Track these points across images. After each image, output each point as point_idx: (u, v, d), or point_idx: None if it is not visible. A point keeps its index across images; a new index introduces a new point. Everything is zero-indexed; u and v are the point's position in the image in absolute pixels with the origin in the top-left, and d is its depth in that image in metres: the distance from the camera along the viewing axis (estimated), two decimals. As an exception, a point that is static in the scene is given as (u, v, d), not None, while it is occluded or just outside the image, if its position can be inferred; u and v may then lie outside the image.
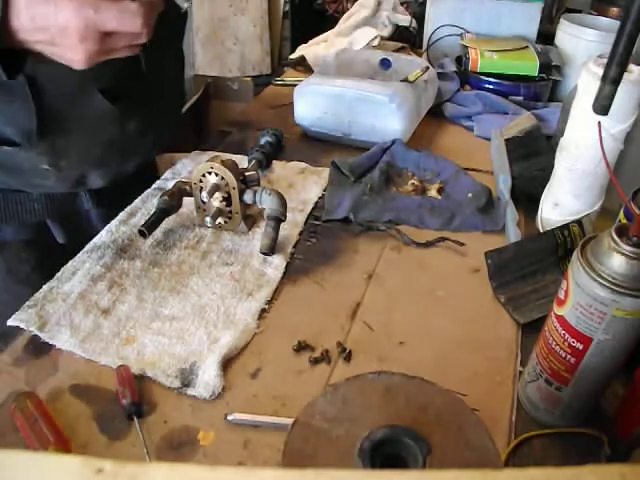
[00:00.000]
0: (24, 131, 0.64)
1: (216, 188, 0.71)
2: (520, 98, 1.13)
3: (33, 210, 0.77)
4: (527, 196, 0.81)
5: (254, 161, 0.84)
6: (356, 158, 0.91)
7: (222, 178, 0.71)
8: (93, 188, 0.79)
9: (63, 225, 0.78)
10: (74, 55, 0.48)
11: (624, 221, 0.58)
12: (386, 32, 1.53)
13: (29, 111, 0.62)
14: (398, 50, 1.43)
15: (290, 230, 0.76)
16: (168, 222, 0.75)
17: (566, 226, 0.68)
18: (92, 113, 0.68)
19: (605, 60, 0.44)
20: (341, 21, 1.51)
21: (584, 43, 1.15)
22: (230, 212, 0.74)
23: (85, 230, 0.81)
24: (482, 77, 1.16)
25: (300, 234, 0.77)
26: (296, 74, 1.33)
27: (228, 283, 0.67)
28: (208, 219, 0.74)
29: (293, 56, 1.38)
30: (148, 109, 0.76)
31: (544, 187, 0.77)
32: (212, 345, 0.58)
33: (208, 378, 0.54)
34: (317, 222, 0.80)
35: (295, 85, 1.01)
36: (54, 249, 0.80)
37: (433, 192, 0.86)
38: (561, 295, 0.46)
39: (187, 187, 0.75)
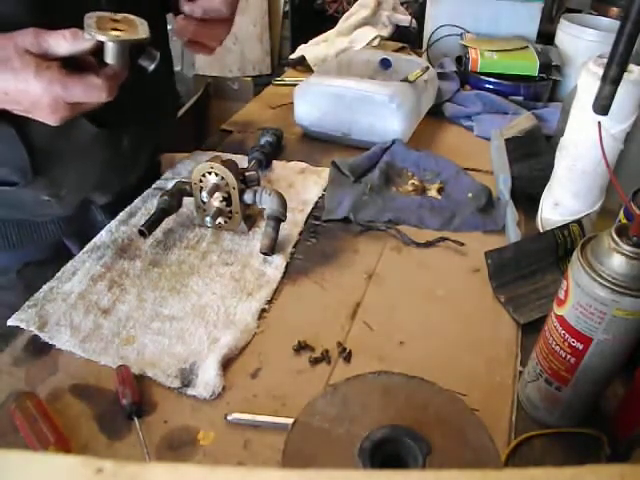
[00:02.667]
0: (19, 170, 0.65)
1: (216, 188, 0.71)
2: (520, 98, 1.13)
3: (47, 232, 0.78)
4: (527, 196, 0.81)
5: (254, 161, 0.84)
6: (356, 158, 0.91)
7: (222, 178, 0.71)
8: (100, 205, 0.81)
9: (80, 240, 0.77)
10: (47, 119, 0.54)
11: (624, 221, 0.58)
12: (386, 32, 1.53)
13: (20, 152, 0.63)
14: (398, 50, 1.43)
15: (290, 230, 0.76)
16: (168, 222, 0.75)
17: (566, 226, 0.68)
18: (82, 141, 0.69)
19: (605, 60, 0.44)
20: (341, 21, 1.51)
21: (584, 43, 1.15)
22: (230, 212, 0.74)
23: None
24: (482, 77, 1.16)
25: (300, 234, 0.77)
26: (296, 74, 1.33)
27: (228, 283, 0.67)
28: (208, 219, 0.74)
29: (293, 56, 1.38)
30: (140, 122, 0.76)
31: (544, 187, 0.77)
32: (212, 345, 0.58)
33: (208, 378, 0.54)
34: (317, 222, 0.80)
35: (295, 85, 1.01)
36: None
37: (433, 192, 0.86)
38: (561, 295, 0.46)
39: (187, 187, 0.75)
